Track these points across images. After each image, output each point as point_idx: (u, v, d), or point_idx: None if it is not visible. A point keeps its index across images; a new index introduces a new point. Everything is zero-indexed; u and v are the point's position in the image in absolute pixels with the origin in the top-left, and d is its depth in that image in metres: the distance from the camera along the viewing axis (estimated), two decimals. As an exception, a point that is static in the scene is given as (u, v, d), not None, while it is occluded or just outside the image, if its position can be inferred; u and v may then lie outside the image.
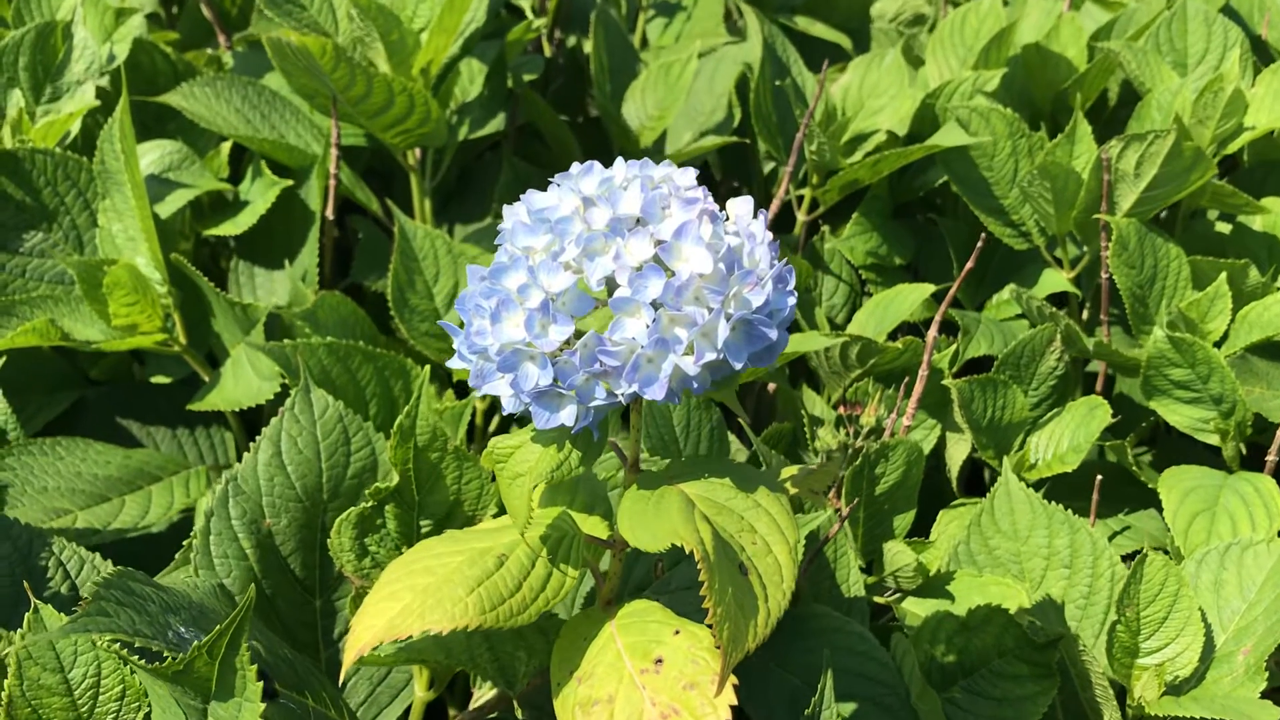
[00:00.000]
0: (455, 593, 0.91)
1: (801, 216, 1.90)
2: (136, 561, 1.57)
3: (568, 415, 0.87)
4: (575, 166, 0.92)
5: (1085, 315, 1.84)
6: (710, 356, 0.84)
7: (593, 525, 1.05)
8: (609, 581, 1.02)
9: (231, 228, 1.67)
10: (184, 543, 1.34)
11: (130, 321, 1.49)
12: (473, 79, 1.81)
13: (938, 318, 1.53)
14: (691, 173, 0.90)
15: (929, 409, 1.64)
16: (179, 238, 1.78)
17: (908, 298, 1.70)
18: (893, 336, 1.81)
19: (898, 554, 1.43)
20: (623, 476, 0.98)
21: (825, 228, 1.89)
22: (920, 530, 1.56)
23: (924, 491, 1.55)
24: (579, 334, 0.87)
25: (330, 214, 1.65)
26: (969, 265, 1.49)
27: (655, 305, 0.84)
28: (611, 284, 0.86)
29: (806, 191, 1.88)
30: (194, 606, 1.05)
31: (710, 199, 0.90)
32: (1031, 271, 1.83)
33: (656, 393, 0.85)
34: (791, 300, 0.89)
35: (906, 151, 1.73)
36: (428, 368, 1.13)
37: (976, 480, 1.79)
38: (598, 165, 0.90)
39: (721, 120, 1.91)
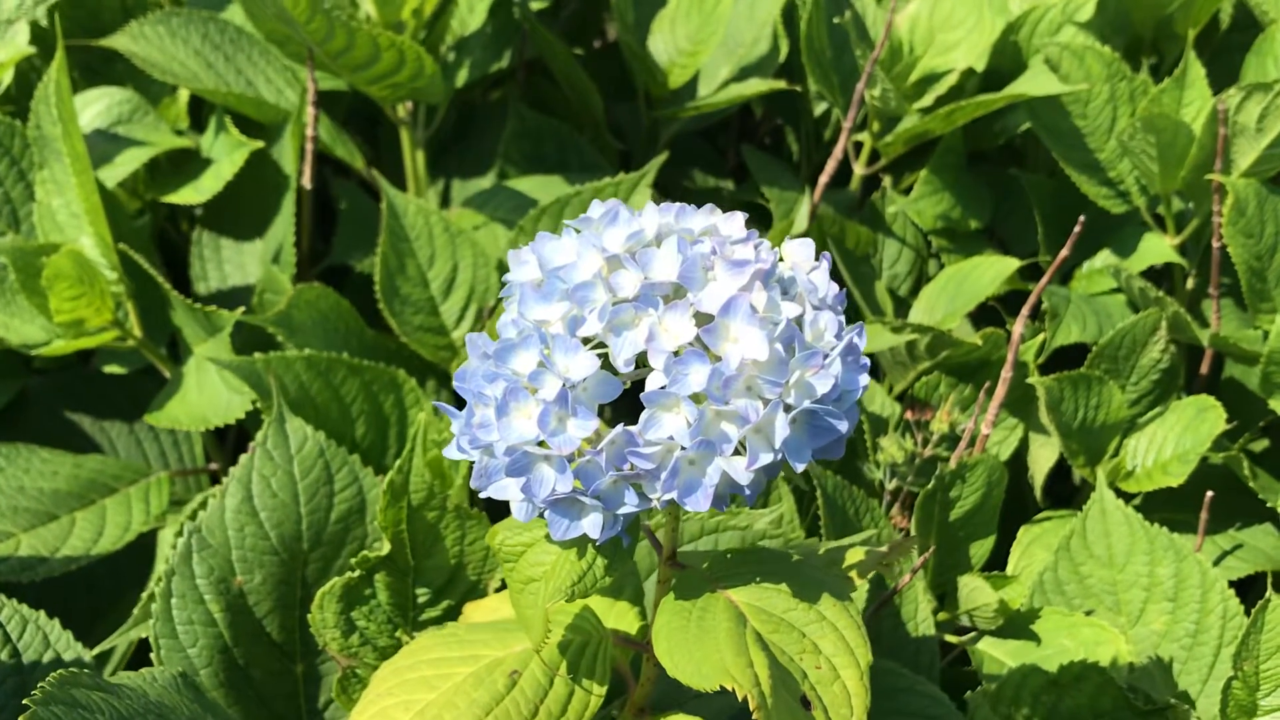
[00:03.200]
0: (458, 723, 0.85)
1: (859, 169, 1.80)
2: (90, 586, 1.53)
3: (591, 525, 0.79)
4: (595, 207, 0.84)
5: (1191, 284, 1.75)
6: (766, 459, 0.76)
7: (620, 616, 0.98)
8: (641, 687, 0.95)
9: (193, 194, 1.59)
10: (142, 595, 1.28)
11: (76, 316, 1.42)
12: (472, 8, 1.70)
13: (1025, 310, 1.44)
14: (739, 220, 0.82)
15: (1009, 405, 1.57)
16: (132, 199, 1.70)
17: (986, 274, 1.61)
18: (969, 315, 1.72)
19: (975, 590, 1.36)
20: (657, 570, 0.91)
21: (887, 181, 1.79)
22: (998, 548, 1.50)
23: (1003, 500, 1.48)
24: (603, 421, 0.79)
25: (307, 182, 1.56)
26: (1063, 254, 1.39)
27: (697, 397, 0.76)
28: (642, 360, 0.78)
29: (866, 139, 1.78)
30: (151, 709, 0.99)
31: (764, 250, 0.81)
32: (1129, 234, 1.73)
33: (700, 502, 0.77)
34: (864, 379, 0.80)
35: (985, 101, 1.62)
36: (422, 416, 1.06)
37: (1061, 482, 1.71)
38: (623, 211, 0.81)
39: (765, 54, 1.80)
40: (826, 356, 0.78)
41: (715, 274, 0.78)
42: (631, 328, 0.78)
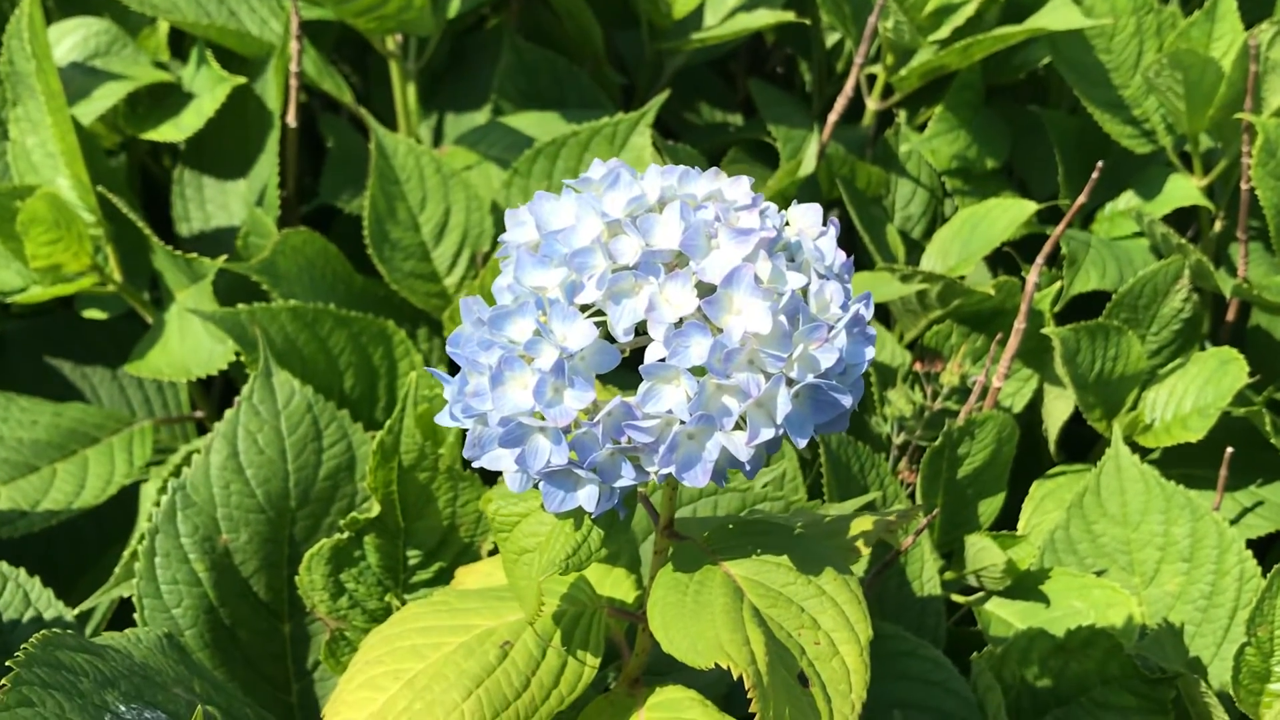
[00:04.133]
0: (449, 696, 0.87)
1: (872, 104, 1.80)
2: (73, 541, 1.55)
3: (586, 497, 0.81)
4: (596, 166, 0.85)
5: (1218, 227, 1.75)
6: (767, 434, 0.78)
7: (616, 583, 1.00)
8: (636, 658, 0.97)
9: (174, 131, 1.59)
10: (124, 553, 1.30)
11: (53, 262, 1.43)
12: (466, -67, 1.70)
13: (1041, 257, 1.44)
14: (745, 184, 0.82)
15: (1024, 356, 1.58)
16: (111, 134, 1.70)
17: (1002, 217, 1.61)
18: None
19: (983, 550, 1.39)
20: (653, 539, 0.93)
21: (901, 117, 1.80)
22: (1010, 503, 1.52)
23: (1016, 454, 1.49)
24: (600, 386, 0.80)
25: (292, 120, 1.56)
26: (1082, 198, 1.40)
27: (698, 370, 0.77)
28: (641, 329, 0.80)
29: (880, 71, 1.78)
30: (136, 671, 1.01)
31: (770, 215, 0.82)
32: (1154, 175, 1.74)
33: (698, 477, 0.79)
34: (869, 351, 0.82)
35: (1004, 34, 1.62)
36: (414, 375, 1.07)
37: (1077, 435, 1.73)
38: (624, 174, 0.82)
39: (775, -22, 1.79)
40: (831, 329, 0.79)
41: (719, 242, 0.79)
42: (631, 296, 0.79)
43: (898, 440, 1.50)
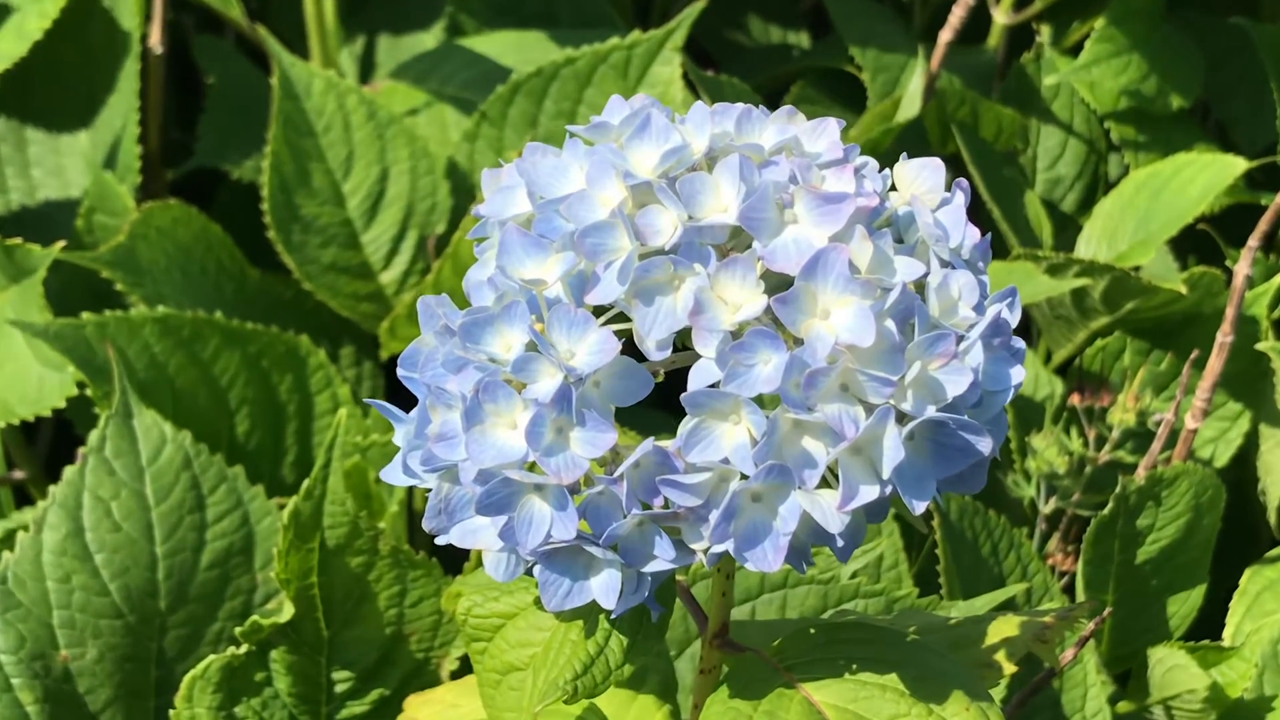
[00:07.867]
0: None
1: (1001, 18, 1.81)
2: None
3: (603, 588, 0.81)
4: (615, 105, 0.85)
5: None
6: (869, 494, 0.78)
7: (643, 716, 1.00)
8: (677, 826, 0.98)
9: (-17, 62, 1.61)
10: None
11: None
12: None
13: (1254, 239, 1.45)
14: (833, 130, 0.83)
15: (1230, 383, 1.58)
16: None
17: (1196, 181, 1.62)
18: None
19: (1175, 669, 1.39)
20: (700, 652, 0.93)
21: (1044, 36, 1.81)
22: (1213, 598, 1.52)
23: (1220, 527, 1.50)
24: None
25: (158, 44, 1.57)
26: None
27: (767, 400, 0.78)
28: (685, 341, 0.80)
29: (1011, -31, 1.80)
30: None
31: (868, 176, 0.82)
32: None
33: (767, 558, 0.78)
34: (1016, 372, 0.82)
35: (1197, -86, 1.64)
36: (341, 412, 1.08)
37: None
38: (657, 116, 0.82)
39: None
40: (961, 340, 0.79)
41: (795, 213, 0.79)
42: (668, 293, 0.79)
43: (1046, 509, 1.50)
